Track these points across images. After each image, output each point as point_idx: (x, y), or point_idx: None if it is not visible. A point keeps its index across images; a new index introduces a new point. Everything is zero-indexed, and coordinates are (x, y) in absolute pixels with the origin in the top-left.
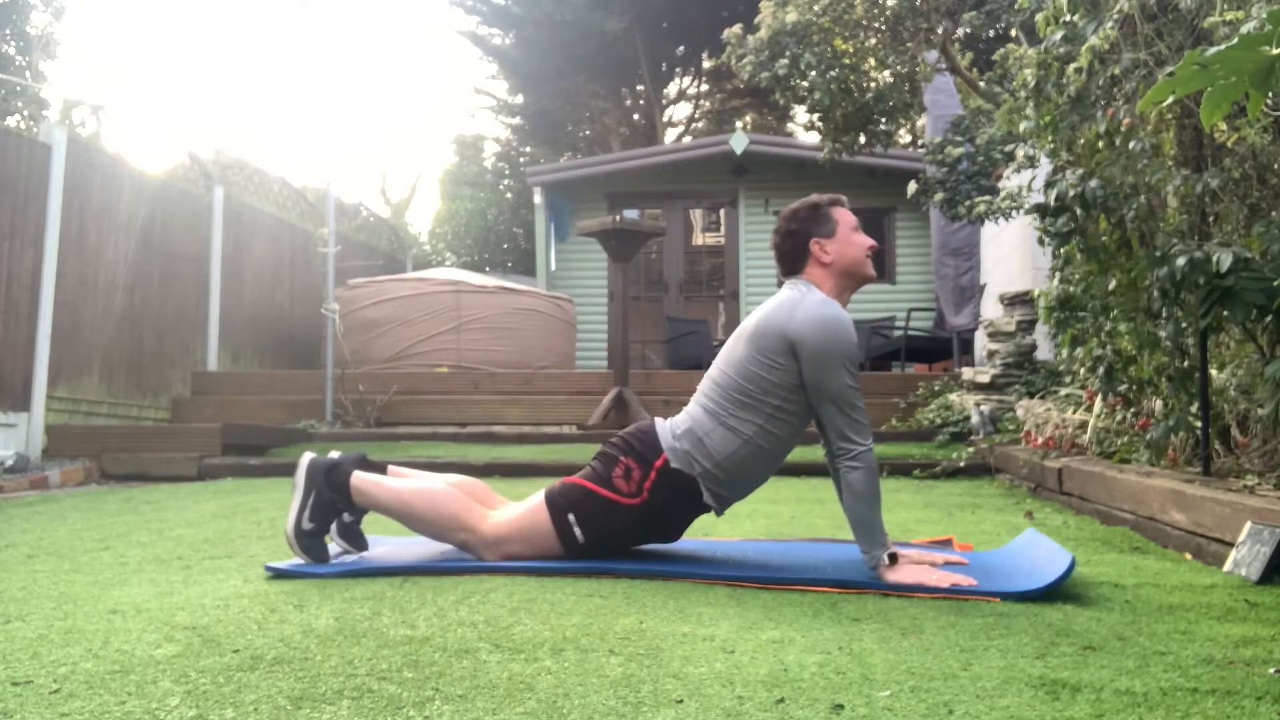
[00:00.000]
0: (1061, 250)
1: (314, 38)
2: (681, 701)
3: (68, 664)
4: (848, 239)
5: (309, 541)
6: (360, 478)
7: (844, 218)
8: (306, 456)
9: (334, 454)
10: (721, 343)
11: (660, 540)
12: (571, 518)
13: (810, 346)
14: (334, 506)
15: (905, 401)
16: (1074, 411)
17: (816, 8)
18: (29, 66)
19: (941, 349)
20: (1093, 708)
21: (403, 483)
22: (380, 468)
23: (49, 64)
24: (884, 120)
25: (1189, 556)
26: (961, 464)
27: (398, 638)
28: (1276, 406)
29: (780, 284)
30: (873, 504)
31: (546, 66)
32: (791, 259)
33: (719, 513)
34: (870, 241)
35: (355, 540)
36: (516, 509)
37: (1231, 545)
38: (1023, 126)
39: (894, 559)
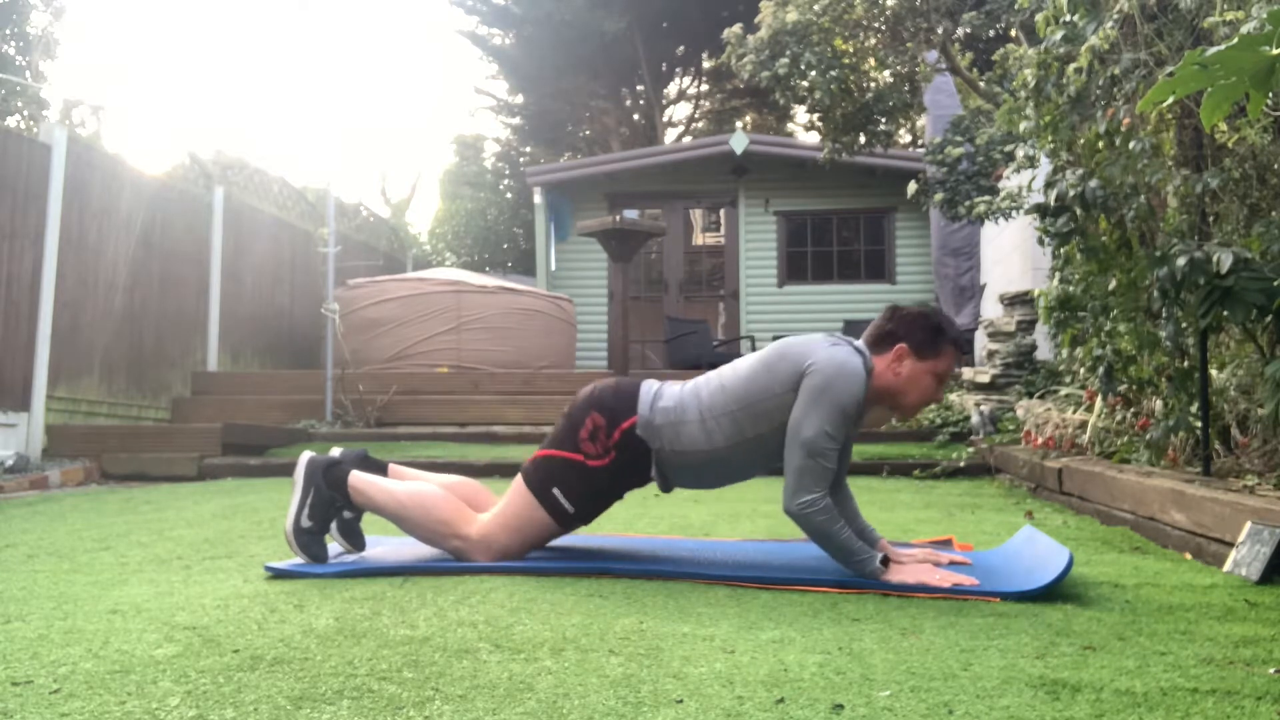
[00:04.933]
0: (1061, 250)
1: (314, 38)
2: (681, 701)
3: (68, 664)
4: (924, 378)
5: (308, 540)
6: (358, 477)
7: (944, 362)
8: (306, 455)
9: (335, 451)
10: (721, 343)
11: (616, 497)
12: (556, 491)
13: (814, 379)
14: (333, 505)
15: None
16: (1074, 411)
17: (816, 8)
18: (29, 66)
19: None
20: (1093, 708)
21: (399, 485)
22: (381, 466)
23: (49, 64)
24: (884, 120)
25: (1189, 556)
26: (961, 464)
27: (398, 638)
28: (1276, 406)
29: (781, 286)
30: (839, 534)
31: (546, 66)
32: (877, 339)
33: (663, 490)
34: (936, 397)
35: (354, 539)
36: (499, 504)
37: (1231, 545)
38: (1023, 126)
39: (886, 562)
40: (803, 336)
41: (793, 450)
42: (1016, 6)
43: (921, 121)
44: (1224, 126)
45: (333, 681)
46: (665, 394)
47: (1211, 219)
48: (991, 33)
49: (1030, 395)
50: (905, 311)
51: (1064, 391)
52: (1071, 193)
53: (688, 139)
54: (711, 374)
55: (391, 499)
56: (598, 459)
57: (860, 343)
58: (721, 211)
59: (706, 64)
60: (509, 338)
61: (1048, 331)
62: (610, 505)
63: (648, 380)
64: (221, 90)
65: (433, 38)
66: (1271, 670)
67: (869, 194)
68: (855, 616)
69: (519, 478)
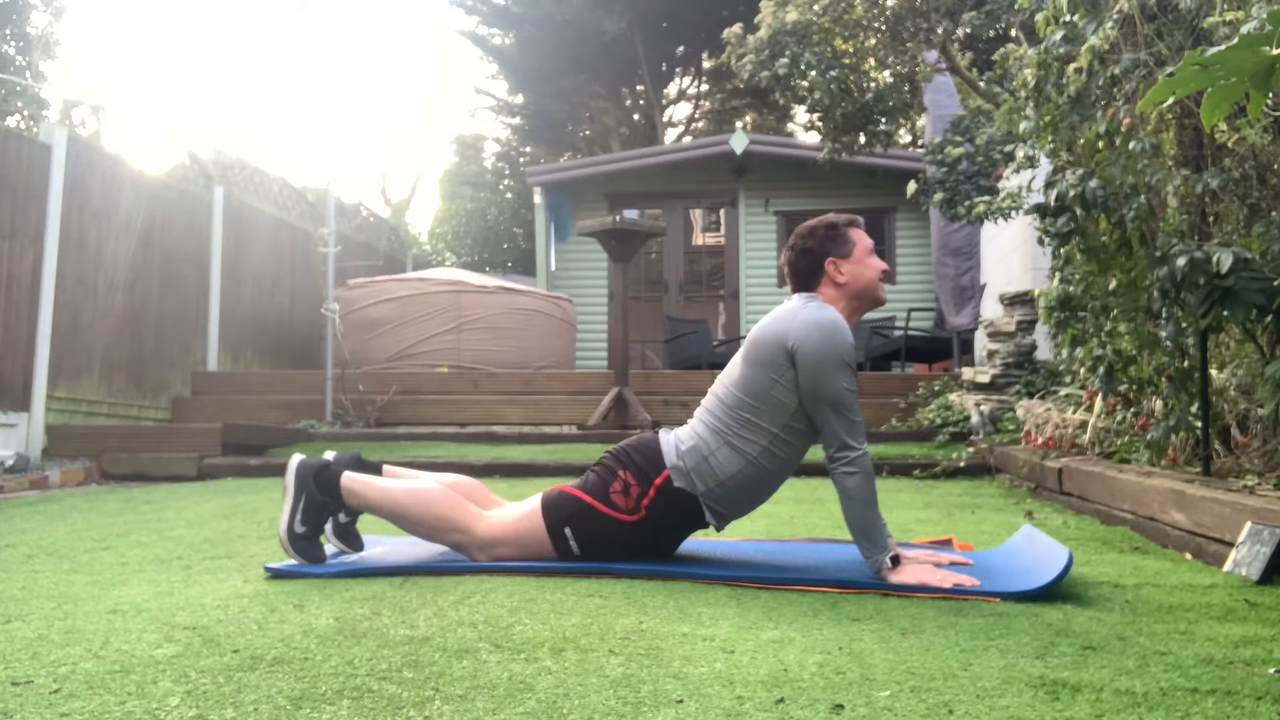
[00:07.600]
0: (1061, 250)
1: (314, 38)
2: (681, 701)
3: (68, 664)
4: (863, 261)
5: (303, 544)
6: (351, 478)
7: (860, 239)
8: (295, 459)
9: (328, 454)
10: (721, 343)
11: (655, 557)
12: (568, 531)
13: (807, 350)
14: (325, 508)
15: (905, 401)
16: (1074, 411)
17: (816, 8)
18: (29, 66)
19: (941, 349)
20: (1093, 708)
21: (394, 483)
22: (375, 468)
23: (49, 64)
24: (884, 120)
25: (1189, 556)
26: (961, 464)
27: (398, 638)
28: (1276, 406)
29: (781, 286)
30: (871, 508)
31: (546, 66)
32: (805, 276)
33: (719, 529)
34: (884, 265)
35: (351, 541)
36: (511, 513)
37: (1231, 545)
38: (1023, 126)
39: (896, 561)
40: (764, 320)
41: (819, 411)
42: (1016, 6)
43: (921, 121)
44: (1224, 126)
45: (333, 681)
46: (683, 436)
47: (1211, 219)
48: (991, 33)
49: (1030, 395)
50: (800, 241)
51: (1064, 391)
52: (1071, 193)
53: (688, 139)
54: (706, 401)
55: (387, 498)
56: (628, 514)
57: (802, 295)
58: (721, 211)
59: (706, 64)
60: (509, 338)
61: (1048, 331)
62: (622, 560)
63: (661, 432)
64: (221, 90)
65: (433, 38)
66: (1271, 670)
67: (869, 194)
68: (855, 616)
69: (538, 502)
